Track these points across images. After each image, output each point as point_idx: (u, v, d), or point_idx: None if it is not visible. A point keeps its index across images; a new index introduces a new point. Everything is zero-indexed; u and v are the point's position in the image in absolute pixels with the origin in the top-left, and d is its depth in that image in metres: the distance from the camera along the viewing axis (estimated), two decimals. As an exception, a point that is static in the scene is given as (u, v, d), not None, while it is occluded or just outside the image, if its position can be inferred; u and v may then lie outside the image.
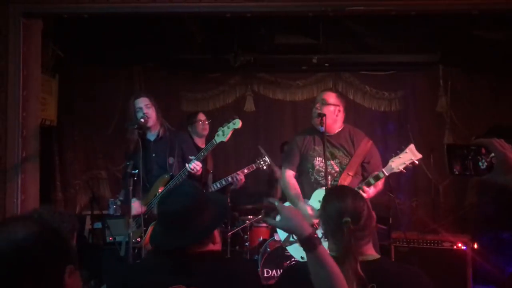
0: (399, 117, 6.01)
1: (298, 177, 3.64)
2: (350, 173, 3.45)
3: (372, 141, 3.62)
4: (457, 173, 1.56)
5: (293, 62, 5.86)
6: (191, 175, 3.56)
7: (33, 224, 1.20)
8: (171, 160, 3.68)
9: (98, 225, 5.10)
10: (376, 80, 6.05)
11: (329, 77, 6.15)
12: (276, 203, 1.75)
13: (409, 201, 5.78)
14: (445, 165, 1.58)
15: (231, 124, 3.45)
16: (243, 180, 4.58)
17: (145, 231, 3.51)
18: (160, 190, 3.60)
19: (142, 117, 3.61)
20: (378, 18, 4.46)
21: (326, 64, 5.74)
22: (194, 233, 1.76)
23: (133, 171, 3.36)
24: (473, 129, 5.63)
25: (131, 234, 3.29)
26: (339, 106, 3.57)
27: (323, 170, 3.44)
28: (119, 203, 5.13)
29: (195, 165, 3.46)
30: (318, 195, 3.41)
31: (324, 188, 3.37)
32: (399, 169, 3.29)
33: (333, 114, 3.53)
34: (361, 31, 5.23)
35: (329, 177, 3.40)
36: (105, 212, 5.25)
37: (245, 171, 4.55)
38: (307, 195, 3.51)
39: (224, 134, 3.45)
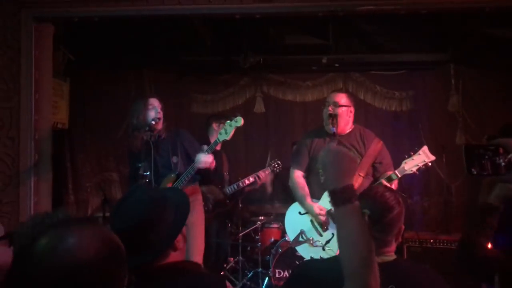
0: (410, 117, 5.97)
1: (307, 177, 3.63)
2: (361, 174, 3.44)
3: (382, 141, 3.61)
4: (475, 173, 1.55)
5: (303, 63, 5.85)
6: (200, 170, 3.55)
7: (94, 237, 1.13)
8: (175, 159, 3.69)
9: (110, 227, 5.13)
10: (387, 79, 6.01)
11: (339, 77, 6.12)
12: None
13: (422, 201, 5.74)
14: (457, 165, 1.58)
15: (233, 122, 3.48)
16: (268, 178, 4.85)
17: None
18: None
19: (153, 119, 3.61)
20: (388, 17, 4.44)
21: (336, 64, 5.71)
22: (153, 247, 1.59)
23: (145, 173, 3.37)
24: (486, 128, 5.57)
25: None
26: (350, 107, 3.56)
27: None
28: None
29: (206, 159, 3.46)
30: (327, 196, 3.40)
31: None
32: (412, 170, 3.28)
33: (346, 115, 3.53)
34: (371, 31, 5.20)
35: None
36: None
37: (262, 174, 4.68)
38: (317, 196, 3.50)
39: (227, 133, 3.48)
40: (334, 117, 3.41)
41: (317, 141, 3.60)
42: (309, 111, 6.14)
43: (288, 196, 5.17)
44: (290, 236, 3.65)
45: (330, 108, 3.51)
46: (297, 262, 4.15)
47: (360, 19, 4.88)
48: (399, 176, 3.30)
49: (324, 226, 3.42)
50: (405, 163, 3.30)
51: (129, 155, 3.84)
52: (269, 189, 5.38)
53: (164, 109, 3.76)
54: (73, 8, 3.98)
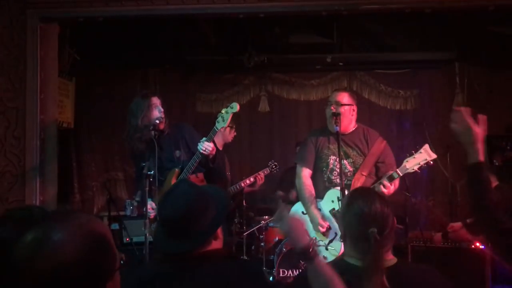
0: (415, 116, 5.96)
1: (311, 176, 3.62)
2: (364, 173, 3.44)
3: (386, 140, 3.60)
4: (496, 164, 1.56)
5: (307, 62, 5.85)
6: (204, 159, 3.51)
7: (79, 230, 1.13)
8: (177, 153, 3.69)
9: (115, 226, 5.15)
10: (391, 78, 6.01)
11: (343, 76, 6.12)
12: (280, 209, 1.74)
13: (426, 200, 5.73)
14: (462, 164, 1.58)
15: (229, 109, 3.45)
16: (263, 181, 4.82)
17: None
18: (172, 183, 3.61)
19: (158, 119, 3.61)
20: (393, 16, 4.43)
21: (341, 63, 5.71)
22: (197, 236, 1.74)
23: (148, 172, 3.38)
24: (491, 127, 5.54)
25: (147, 234, 3.32)
26: (353, 105, 3.56)
27: (336, 169, 3.43)
28: (135, 204, 5.18)
29: (207, 146, 3.43)
30: (332, 195, 3.41)
31: (337, 187, 3.36)
32: (413, 169, 3.27)
33: (349, 114, 3.52)
34: (375, 29, 5.20)
35: (343, 177, 3.40)
36: (122, 213, 5.30)
37: (261, 174, 4.70)
38: (320, 195, 3.51)
39: (224, 120, 3.44)
40: (336, 116, 3.41)
41: (321, 139, 3.60)
42: (313, 110, 6.14)
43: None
44: None
45: (332, 107, 3.51)
46: (301, 262, 4.16)
47: (364, 18, 4.87)
48: (401, 174, 3.28)
49: (325, 235, 3.42)
50: (407, 161, 3.28)
51: (133, 156, 3.84)
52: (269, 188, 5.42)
53: (165, 106, 3.75)
54: (78, 8, 4.00)
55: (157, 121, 3.60)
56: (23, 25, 3.98)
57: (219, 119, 3.45)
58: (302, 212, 3.56)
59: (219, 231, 1.82)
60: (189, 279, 1.69)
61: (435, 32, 5.14)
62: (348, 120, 3.52)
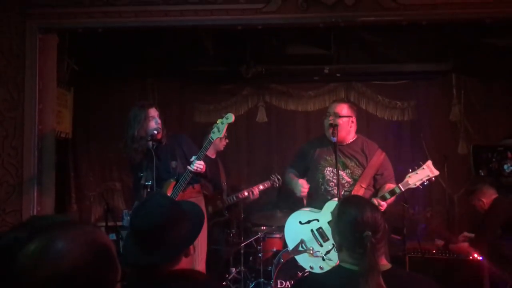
0: (412, 127, 5.97)
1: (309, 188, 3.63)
2: (363, 185, 3.45)
3: (385, 152, 3.61)
4: (482, 174, 1.58)
5: (305, 73, 5.87)
6: (197, 175, 3.57)
7: (82, 240, 1.12)
8: (173, 164, 3.71)
9: (113, 236, 5.13)
10: (389, 89, 6.03)
11: (341, 87, 6.14)
12: None
13: (424, 211, 5.73)
14: (459, 175, 1.59)
15: (224, 120, 3.49)
16: (258, 195, 4.80)
17: None
18: (168, 195, 3.61)
19: (155, 129, 3.63)
20: (390, 27, 4.47)
21: (338, 74, 5.74)
22: (169, 248, 1.68)
23: (146, 183, 3.39)
24: (488, 138, 5.57)
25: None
26: (352, 117, 3.58)
27: (333, 180, 3.44)
28: (132, 214, 5.17)
29: (198, 165, 3.45)
30: (330, 206, 3.41)
31: (335, 199, 3.36)
32: (415, 185, 3.28)
33: (347, 126, 3.54)
34: (372, 41, 5.23)
35: (341, 188, 3.40)
36: (119, 223, 5.28)
37: (261, 187, 4.71)
38: (318, 206, 3.51)
39: (219, 130, 3.47)
40: (334, 127, 3.43)
41: (318, 150, 3.61)
42: (311, 121, 6.16)
43: (291, 206, 5.20)
44: (290, 245, 3.63)
45: (330, 118, 3.53)
46: (299, 273, 4.15)
47: (361, 30, 4.91)
48: (403, 189, 3.29)
49: (321, 246, 3.42)
50: (409, 177, 3.29)
51: (130, 166, 3.86)
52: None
53: (163, 117, 3.77)
54: (77, 19, 4.03)
55: (155, 132, 3.62)
56: (22, 35, 4.01)
57: (215, 129, 3.47)
58: (300, 222, 3.56)
59: (191, 248, 1.75)
60: None
61: (432, 44, 5.18)
62: (346, 131, 3.54)
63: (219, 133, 3.47)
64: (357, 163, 3.51)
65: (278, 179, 4.76)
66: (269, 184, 4.75)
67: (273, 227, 4.91)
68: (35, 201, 3.97)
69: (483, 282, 4.13)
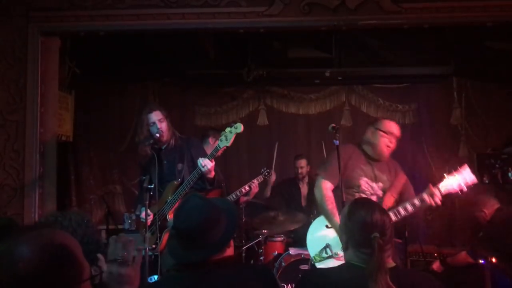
0: (413, 130, 5.97)
1: (338, 192, 3.42)
2: (394, 195, 3.41)
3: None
4: (486, 182, 1.58)
5: (306, 76, 5.87)
6: (202, 177, 3.52)
7: (37, 242, 1.16)
8: (180, 166, 3.69)
9: (114, 239, 5.13)
10: (390, 93, 6.04)
11: (342, 90, 6.15)
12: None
13: (425, 215, 5.72)
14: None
15: (233, 129, 3.44)
16: (257, 189, 4.89)
17: (160, 237, 3.53)
18: (170, 197, 3.61)
19: (157, 132, 3.63)
20: (391, 31, 4.47)
21: (339, 78, 5.74)
22: (211, 246, 1.84)
23: (149, 186, 3.38)
24: (489, 141, 5.58)
25: (147, 249, 3.31)
26: (393, 138, 3.52)
27: (367, 190, 3.41)
28: (134, 217, 5.16)
29: (206, 162, 3.40)
30: None
31: None
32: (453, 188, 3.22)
33: (390, 144, 3.51)
34: (374, 44, 5.24)
35: (375, 198, 3.37)
36: (120, 226, 5.27)
37: (255, 182, 4.78)
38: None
39: (227, 139, 3.44)
40: (336, 129, 3.32)
41: (354, 158, 3.49)
42: (312, 124, 6.17)
43: (290, 209, 5.21)
44: (312, 251, 3.45)
45: (387, 137, 3.46)
46: (300, 276, 4.14)
47: (363, 33, 4.92)
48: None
49: None
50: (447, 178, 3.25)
51: (140, 169, 3.88)
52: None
53: (169, 118, 3.76)
54: (79, 22, 4.04)
55: (157, 135, 3.62)
56: (24, 38, 4.02)
57: (222, 137, 3.45)
58: (326, 226, 3.41)
59: (231, 241, 1.93)
60: (208, 284, 1.78)
61: (433, 47, 5.19)
62: (386, 150, 3.51)
63: (226, 142, 3.44)
64: (387, 178, 3.49)
65: (267, 172, 4.83)
66: (262, 178, 4.82)
67: (275, 230, 4.90)
68: (36, 204, 3.97)
69: (485, 285, 4.13)
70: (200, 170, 3.43)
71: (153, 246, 3.51)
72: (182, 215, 1.88)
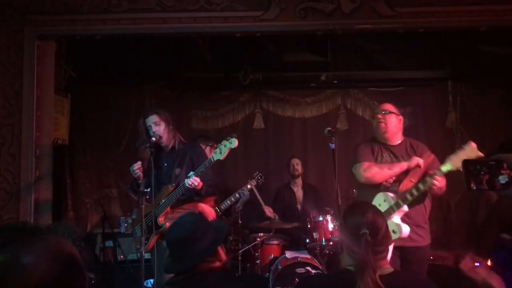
0: (408, 133, 5.97)
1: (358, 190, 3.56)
2: (413, 180, 3.39)
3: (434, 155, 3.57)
4: (474, 188, 1.58)
5: (302, 80, 5.90)
6: (189, 191, 3.58)
7: (48, 251, 1.15)
8: (177, 171, 3.71)
9: (110, 243, 5.12)
10: (385, 96, 6.04)
11: (338, 94, 6.18)
12: None
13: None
14: (456, 181, 1.60)
15: (228, 143, 3.51)
16: (248, 195, 4.91)
17: (148, 238, 3.55)
18: (163, 200, 3.62)
19: (153, 136, 3.64)
20: (387, 35, 4.50)
21: (335, 81, 5.77)
22: (194, 256, 1.99)
23: (145, 190, 3.39)
24: (484, 145, 5.60)
25: (143, 253, 3.31)
26: (399, 115, 3.59)
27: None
28: (130, 221, 5.15)
29: (193, 181, 3.47)
30: (378, 199, 3.34)
31: (387, 192, 3.32)
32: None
33: (396, 124, 3.54)
34: (369, 48, 5.27)
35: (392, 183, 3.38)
36: (116, 230, 5.27)
37: (248, 186, 4.81)
38: (368, 198, 3.40)
39: (221, 153, 3.52)
40: (331, 132, 3.36)
41: (375, 148, 3.57)
42: (308, 127, 6.18)
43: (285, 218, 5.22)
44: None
45: (379, 116, 3.53)
46: (296, 279, 4.15)
47: (358, 37, 4.94)
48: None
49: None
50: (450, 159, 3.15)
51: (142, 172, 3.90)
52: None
53: (167, 119, 3.77)
54: (76, 26, 4.03)
55: (153, 139, 3.63)
56: (20, 42, 4.01)
57: (217, 150, 3.53)
58: (379, 205, 3.33)
59: (222, 255, 2.07)
60: None
61: (428, 51, 5.22)
62: (394, 130, 3.53)
63: (220, 155, 3.52)
64: (406, 160, 3.47)
65: (260, 176, 4.86)
66: (255, 182, 4.83)
67: (271, 234, 4.91)
68: (32, 208, 3.95)
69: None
70: (186, 186, 3.50)
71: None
72: (173, 228, 2.08)
